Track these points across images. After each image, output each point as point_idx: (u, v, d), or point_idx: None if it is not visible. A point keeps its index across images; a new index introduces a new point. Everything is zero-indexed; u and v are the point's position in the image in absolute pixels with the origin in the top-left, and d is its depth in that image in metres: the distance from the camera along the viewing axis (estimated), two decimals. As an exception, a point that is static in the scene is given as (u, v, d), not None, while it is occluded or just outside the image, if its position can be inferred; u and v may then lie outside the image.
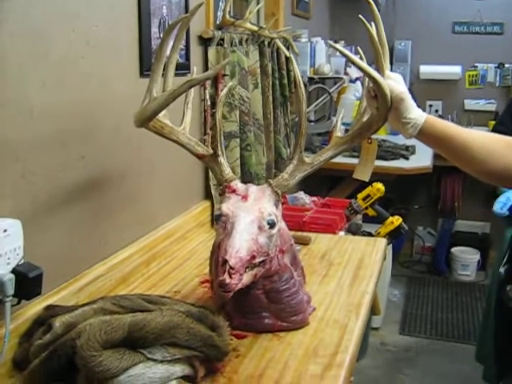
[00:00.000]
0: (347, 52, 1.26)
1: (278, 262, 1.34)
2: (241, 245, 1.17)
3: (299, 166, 1.32)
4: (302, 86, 1.31)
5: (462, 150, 1.27)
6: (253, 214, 1.24)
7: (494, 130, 2.12)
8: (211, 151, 1.37)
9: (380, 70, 1.27)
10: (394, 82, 1.26)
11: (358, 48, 1.59)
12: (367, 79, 1.35)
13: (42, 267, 1.26)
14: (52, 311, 1.27)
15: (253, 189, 1.31)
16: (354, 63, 1.24)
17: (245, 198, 1.28)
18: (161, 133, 1.39)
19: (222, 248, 1.18)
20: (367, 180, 1.62)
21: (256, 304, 1.38)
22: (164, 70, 1.40)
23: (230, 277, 1.13)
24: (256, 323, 1.39)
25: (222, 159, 1.36)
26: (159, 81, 1.39)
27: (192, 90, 1.51)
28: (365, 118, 1.35)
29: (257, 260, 1.21)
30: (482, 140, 1.29)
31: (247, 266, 1.18)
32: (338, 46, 1.30)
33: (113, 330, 1.05)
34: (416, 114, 1.27)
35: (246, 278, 1.19)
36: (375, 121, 1.30)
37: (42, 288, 1.28)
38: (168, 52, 1.41)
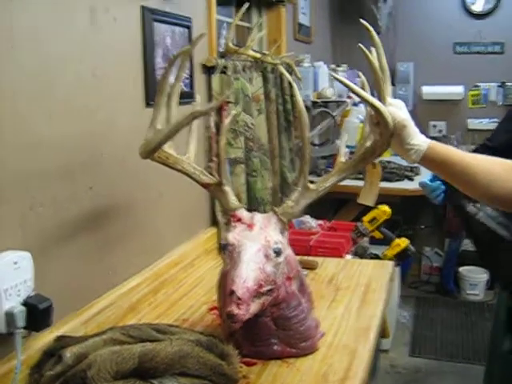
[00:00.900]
0: (347, 81, 1.25)
1: (285, 290, 1.33)
2: (248, 275, 1.18)
3: (304, 193, 1.33)
4: (305, 113, 1.32)
5: (465, 175, 1.27)
6: (259, 242, 1.24)
7: (482, 145, 2.14)
8: (216, 180, 1.38)
9: (381, 96, 1.28)
10: (396, 109, 1.27)
11: (360, 73, 1.61)
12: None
13: (51, 298, 1.27)
14: (62, 342, 1.27)
15: (258, 217, 1.31)
16: (354, 92, 1.24)
17: (250, 226, 1.29)
18: (166, 163, 1.41)
19: (229, 278, 1.18)
20: (372, 205, 1.62)
21: (264, 331, 1.38)
22: (168, 100, 1.41)
23: (238, 307, 1.14)
24: (265, 350, 1.39)
25: (227, 188, 1.37)
26: (163, 112, 1.40)
27: (196, 117, 1.52)
28: (368, 143, 1.35)
29: (264, 289, 1.22)
30: (485, 164, 1.29)
31: (254, 295, 1.18)
32: (336, 75, 1.32)
33: (123, 360, 1.06)
34: (419, 140, 1.27)
35: (254, 307, 1.20)
36: (378, 146, 1.31)
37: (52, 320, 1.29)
38: (171, 82, 1.42)
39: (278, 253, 1.25)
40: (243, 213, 1.33)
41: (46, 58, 1.35)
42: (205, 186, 1.40)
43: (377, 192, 1.56)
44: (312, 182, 1.35)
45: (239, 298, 1.14)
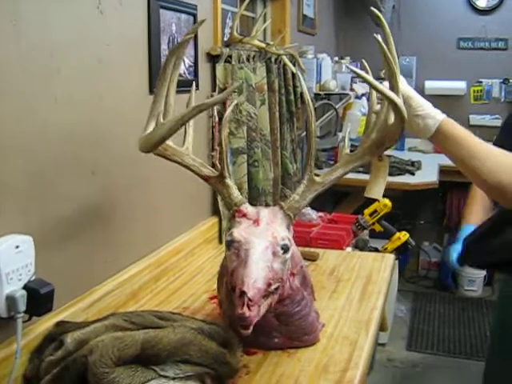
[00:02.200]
0: (363, 73, 1.23)
1: (289, 286, 1.30)
2: (258, 274, 1.12)
3: (310, 186, 1.28)
4: (311, 104, 1.30)
5: (479, 155, 1.26)
6: (266, 239, 1.19)
7: None
8: (217, 172, 1.33)
9: (394, 88, 1.26)
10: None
11: (364, 61, 1.58)
12: (373, 93, 1.37)
13: (52, 284, 1.27)
14: (63, 327, 1.26)
15: (264, 212, 1.26)
16: (367, 82, 1.22)
17: (256, 222, 1.23)
18: (163, 155, 1.36)
19: (238, 278, 1.13)
20: (380, 198, 1.61)
21: (267, 327, 1.35)
22: (167, 91, 1.37)
23: (249, 309, 1.09)
24: (266, 341, 1.39)
25: (230, 181, 1.31)
26: (163, 104, 1.36)
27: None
28: (374, 135, 1.32)
29: (272, 287, 1.18)
30: (498, 151, 1.29)
31: (264, 295, 1.15)
32: (352, 67, 1.29)
33: (126, 346, 1.05)
34: (432, 109, 1.27)
35: (263, 308, 1.16)
36: (388, 138, 1.28)
37: (53, 304, 1.29)
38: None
39: (285, 249, 1.20)
40: (248, 208, 1.27)
41: (51, 43, 1.34)
42: (205, 178, 1.34)
43: (383, 186, 1.54)
44: (317, 175, 1.32)
45: (250, 299, 1.09)
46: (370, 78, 1.21)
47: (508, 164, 1.27)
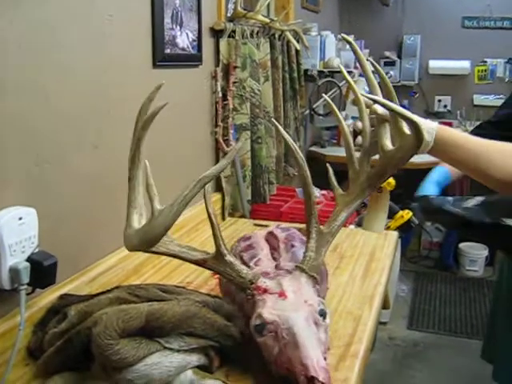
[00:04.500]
0: (374, 97, 1.13)
1: None
2: (316, 352, 1.00)
3: (320, 239, 1.17)
4: (302, 161, 1.16)
5: (484, 154, 1.21)
6: (303, 310, 1.06)
7: (487, 122, 2.10)
8: (211, 253, 1.16)
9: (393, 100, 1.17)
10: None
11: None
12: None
13: (56, 256, 1.26)
14: (66, 300, 1.27)
15: (286, 281, 1.12)
16: (384, 106, 1.10)
17: (283, 295, 1.09)
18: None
19: (295, 363, 0.99)
20: (381, 232, 1.47)
21: None
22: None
23: None
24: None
25: (231, 257, 1.15)
26: (142, 189, 1.20)
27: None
28: (365, 166, 1.20)
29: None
30: (499, 144, 1.24)
31: None
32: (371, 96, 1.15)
33: (130, 318, 1.05)
34: (424, 120, 1.18)
35: None
36: (391, 166, 1.17)
37: (56, 277, 1.28)
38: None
39: (324, 315, 1.09)
40: (266, 281, 1.13)
41: (52, 16, 1.32)
42: (200, 263, 1.17)
43: (385, 219, 1.42)
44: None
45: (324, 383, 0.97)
46: (384, 100, 1.12)
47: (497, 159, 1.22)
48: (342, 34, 1.40)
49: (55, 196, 1.37)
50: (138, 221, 1.18)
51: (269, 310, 1.07)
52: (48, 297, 1.33)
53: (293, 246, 1.36)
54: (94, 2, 1.46)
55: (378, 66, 1.27)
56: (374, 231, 1.38)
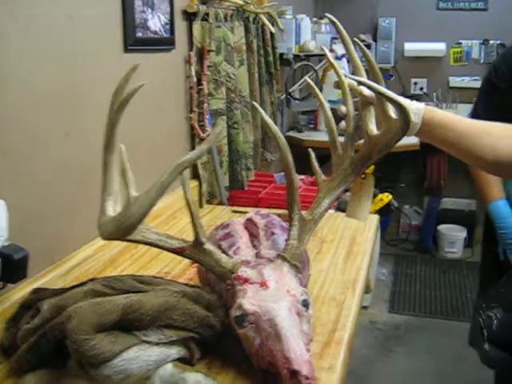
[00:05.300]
0: (360, 79, 1.09)
1: None
2: (299, 345, 0.95)
3: (302, 226, 1.13)
4: (285, 146, 1.11)
5: (470, 134, 1.15)
6: (285, 301, 1.02)
7: (487, 81, 2.08)
8: (190, 242, 1.11)
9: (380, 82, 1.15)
10: None
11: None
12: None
13: (26, 249, 1.21)
14: (39, 294, 1.22)
15: (267, 270, 1.07)
16: (371, 88, 1.07)
17: (264, 284, 1.04)
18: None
19: (277, 357, 0.95)
20: (364, 221, 1.42)
21: None
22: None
23: None
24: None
25: (210, 246, 1.11)
26: (116, 175, 1.15)
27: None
28: (349, 151, 1.14)
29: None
30: (490, 124, 1.19)
31: None
32: (354, 76, 1.11)
33: (106, 312, 1.00)
34: (410, 101, 1.13)
35: None
36: (378, 150, 1.11)
37: (28, 271, 1.23)
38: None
39: (306, 305, 1.05)
40: (247, 271, 1.08)
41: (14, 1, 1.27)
42: (178, 251, 1.12)
43: (368, 207, 1.36)
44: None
45: (307, 377, 0.92)
46: (368, 82, 1.08)
47: (505, 135, 1.18)
48: (327, 14, 1.34)
49: (25, 186, 1.32)
50: (113, 208, 1.14)
51: (249, 300, 1.03)
52: (20, 292, 1.28)
53: (273, 233, 1.32)
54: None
55: (363, 46, 1.23)
56: (357, 219, 1.34)
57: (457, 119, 1.18)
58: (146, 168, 1.87)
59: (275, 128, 1.12)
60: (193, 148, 2.18)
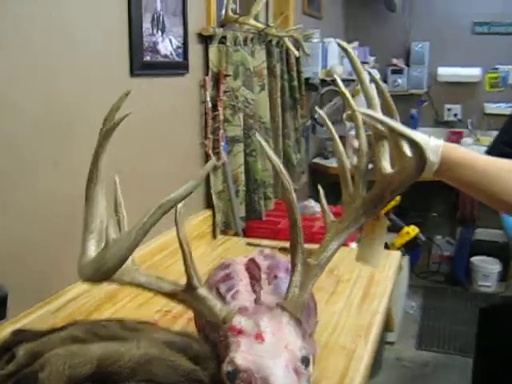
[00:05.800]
0: (374, 114, 0.99)
1: None
2: None
3: (306, 272, 1.01)
4: (289, 184, 1.00)
5: (493, 175, 1.04)
6: (282, 357, 0.91)
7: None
8: (182, 286, 1.00)
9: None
10: None
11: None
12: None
13: (14, 286, 1.13)
14: (19, 336, 1.12)
15: (264, 322, 0.96)
16: (381, 122, 0.97)
17: (260, 337, 0.93)
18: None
19: None
20: (375, 267, 1.31)
21: None
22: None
23: None
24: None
25: (204, 291, 0.99)
26: (99, 212, 1.04)
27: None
28: (361, 189, 1.04)
29: None
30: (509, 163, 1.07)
31: None
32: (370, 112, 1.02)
33: (79, 364, 0.91)
34: (428, 138, 1.03)
35: None
36: (391, 190, 1.00)
37: (16, 307, 1.15)
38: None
39: (306, 362, 0.94)
40: (242, 321, 0.97)
41: (18, 16, 1.20)
42: (170, 296, 1.02)
43: (381, 250, 1.25)
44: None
45: None
46: (381, 117, 0.98)
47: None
48: (338, 40, 1.23)
49: (11, 218, 1.24)
50: (96, 248, 1.04)
51: (243, 354, 0.91)
52: (2, 332, 1.19)
53: (276, 276, 1.20)
54: (64, 6, 1.34)
55: (376, 76, 1.12)
56: (369, 264, 1.21)
57: (477, 158, 1.06)
58: (157, 198, 1.78)
59: (278, 163, 1.00)
60: (208, 175, 2.09)
